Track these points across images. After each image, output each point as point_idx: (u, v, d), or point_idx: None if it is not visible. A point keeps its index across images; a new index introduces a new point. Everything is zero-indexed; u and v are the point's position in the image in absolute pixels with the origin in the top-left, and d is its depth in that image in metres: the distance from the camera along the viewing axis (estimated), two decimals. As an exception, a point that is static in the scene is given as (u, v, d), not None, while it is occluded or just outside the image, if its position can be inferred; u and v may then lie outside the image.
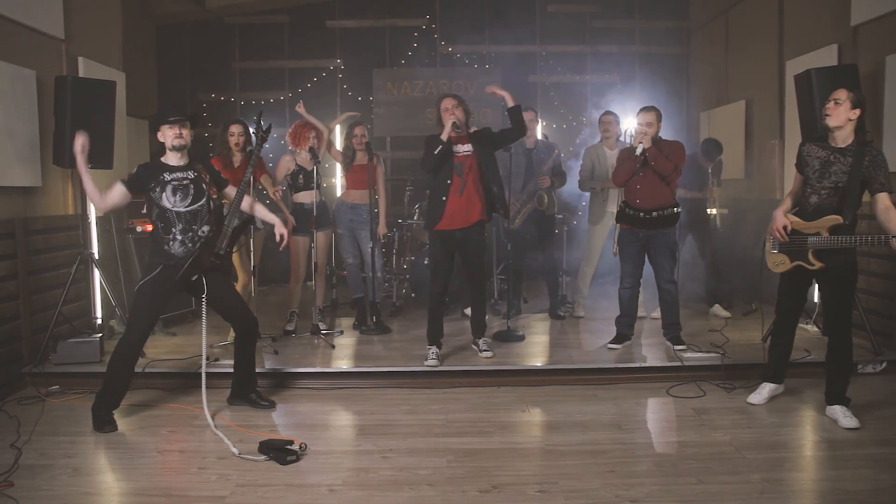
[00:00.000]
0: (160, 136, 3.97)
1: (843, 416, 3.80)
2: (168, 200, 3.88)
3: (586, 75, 8.54)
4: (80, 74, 5.29)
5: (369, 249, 5.71)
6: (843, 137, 3.70)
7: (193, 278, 3.94)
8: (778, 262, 3.98)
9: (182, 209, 3.90)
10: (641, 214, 4.91)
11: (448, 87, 8.45)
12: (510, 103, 4.76)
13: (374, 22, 8.53)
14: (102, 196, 3.91)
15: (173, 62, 8.40)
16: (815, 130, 4.79)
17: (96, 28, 5.74)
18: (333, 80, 8.51)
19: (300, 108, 5.62)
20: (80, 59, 5.38)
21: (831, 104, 3.67)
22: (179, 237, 3.90)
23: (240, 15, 8.38)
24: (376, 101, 8.49)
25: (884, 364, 4.71)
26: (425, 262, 6.34)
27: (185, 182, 3.93)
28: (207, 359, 4.11)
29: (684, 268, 6.16)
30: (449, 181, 4.76)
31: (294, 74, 8.49)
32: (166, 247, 3.89)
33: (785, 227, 3.85)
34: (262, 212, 4.32)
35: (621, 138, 6.06)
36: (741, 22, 7.29)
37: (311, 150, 5.41)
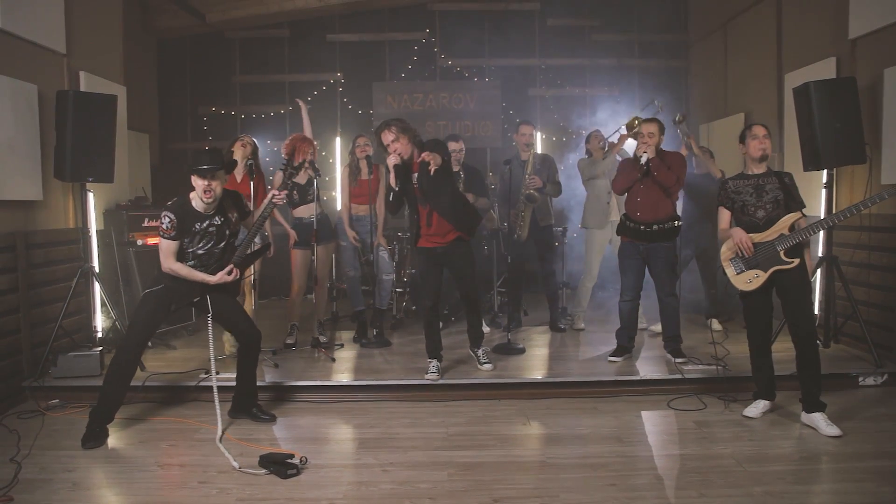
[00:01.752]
0: (192, 181, 3.88)
1: (825, 424, 3.86)
2: (192, 246, 3.94)
3: (586, 88, 8.59)
4: (82, 89, 5.33)
5: (378, 253, 5.73)
6: (760, 167, 4.14)
7: (195, 300, 4.01)
8: (751, 279, 4.06)
9: (200, 252, 3.97)
10: (642, 227, 4.92)
11: (448, 101, 8.51)
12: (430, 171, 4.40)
13: (375, 36, 8.59)
14: (178, 264, 3.89)
15: (174, 76, 8.47)
16: (814, 143, 4.85)
17: (97, 43, 5.78)
18: (334, 94, 8.55)
19: (303, 106, 5.80)
20: (82, 74, 5.42)
21: (763, 139, 4.08)
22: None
23: (240, 29, 8.44)
24: (376, 115, 8.50)
25: (885, 376, 4.71)
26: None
27: (210, 230, 3.97)
28: (206, 373, 4.11)
29: (689, 278, 6.15)
30: (416, 216, 4.80)
31: (294, 88, 8.51)
32: None
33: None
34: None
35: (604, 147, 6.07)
36: (740, 35, 7.33)
37: (311, 163, 5.41)
